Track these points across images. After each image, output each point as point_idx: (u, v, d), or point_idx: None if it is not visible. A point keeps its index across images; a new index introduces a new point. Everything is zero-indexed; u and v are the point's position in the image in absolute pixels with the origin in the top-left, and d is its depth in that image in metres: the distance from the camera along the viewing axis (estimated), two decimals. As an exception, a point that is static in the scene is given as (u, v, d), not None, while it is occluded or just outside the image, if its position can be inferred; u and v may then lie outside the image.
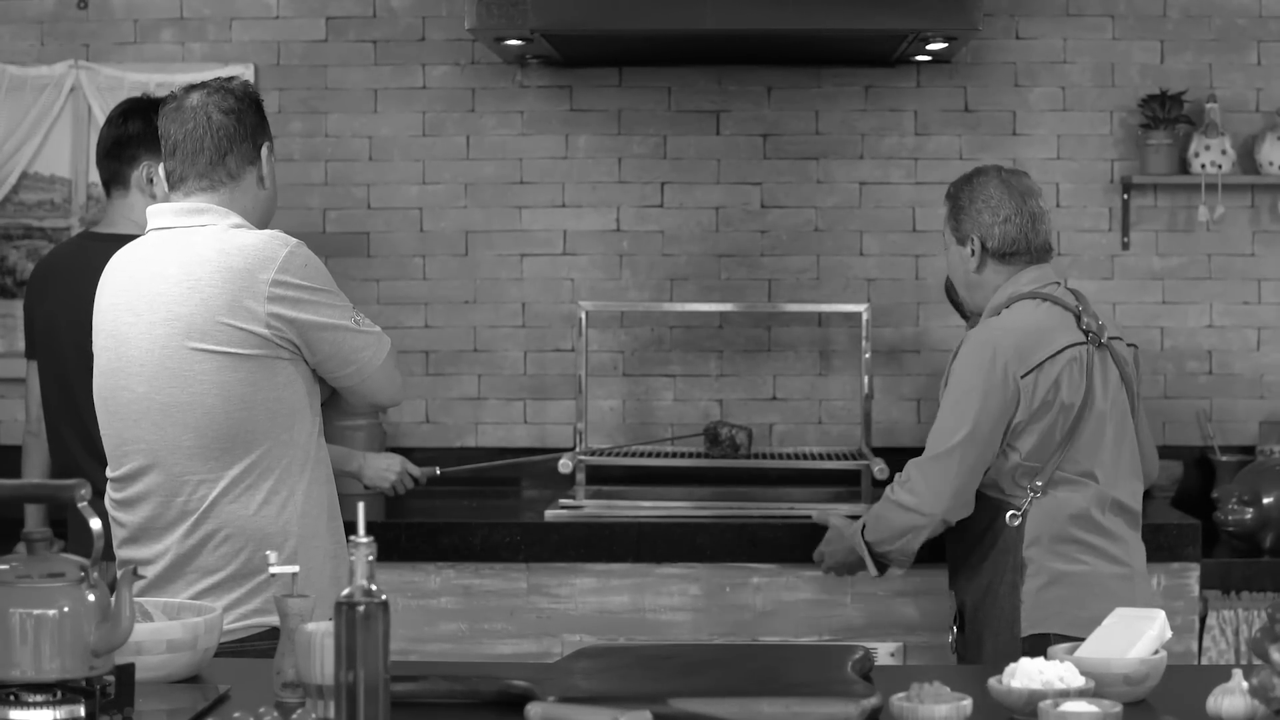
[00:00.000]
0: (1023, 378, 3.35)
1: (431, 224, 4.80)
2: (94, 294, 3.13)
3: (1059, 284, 3.54)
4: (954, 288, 4.42)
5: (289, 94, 4.78)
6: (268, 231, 3.05)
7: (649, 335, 4.80)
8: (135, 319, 3.02)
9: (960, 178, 3.62)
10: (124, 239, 3.23)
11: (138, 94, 4.70)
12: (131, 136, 3.76)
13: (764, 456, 4.56)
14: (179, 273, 2.99)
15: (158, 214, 3.10)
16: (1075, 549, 3.35)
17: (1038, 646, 3.23)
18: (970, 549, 3.46)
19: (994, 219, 3.49)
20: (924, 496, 3.42)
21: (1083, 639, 2.75)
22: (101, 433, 3.11)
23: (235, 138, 3.09)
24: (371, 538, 2.12)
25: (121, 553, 3.08)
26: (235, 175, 3.09)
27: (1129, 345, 3.60)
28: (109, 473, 3.10)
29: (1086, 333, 3.45)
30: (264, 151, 3.13)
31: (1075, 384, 3.39)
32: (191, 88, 3.13)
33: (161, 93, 4.64)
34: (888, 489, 3.54)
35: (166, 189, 3.14)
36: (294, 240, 3.03)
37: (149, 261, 3.05)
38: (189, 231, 3.05)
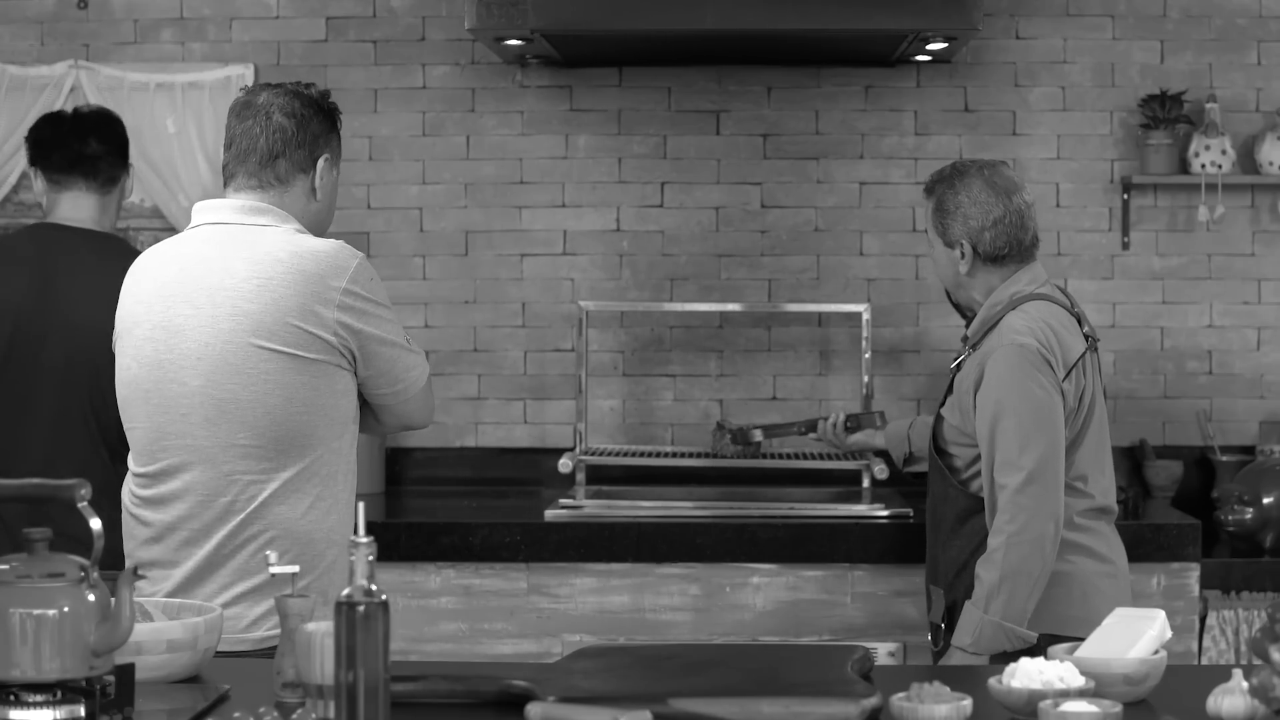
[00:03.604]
0: (1063, 382, 3.33)
1: (431, 224, 4.80)
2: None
3: (1050, 282, 3.52)
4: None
5: (289, 94, 4.78)
6: (336, 241, 3.03)
7: (649, 335, 4.80)
8: (194, 311, 2.96)
9: (939, 175, 3.53)
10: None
11: (137, 94, 4.73)
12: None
13: (764, 456, 4.56)
14: (247, 269, 2.96)
15: (212, 209, 3.06)
16: (1064, 549, 3.34)
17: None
18: (960, 547, 3.44)
19: (983, 223, 3.44)
20: (1040, 516, 3.27)
21: (1071, 637, 2.77)
22: (132, 426, 3.04)
23: (291, 142, 3.05)
24: (371, 538, 2.12)
25: (143, 553, 3.01)
26: (284, 180, 3.06)
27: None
28: (137, 468, 3.03)
29: (1087, 337, 3.44)
30: (321, 163, 3.09)
31: (1087, 390, 3.38)
32: (264, 86, 3.11)
33: (161, 92, 4.71)
34: (990, 552, 3.30)
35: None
36: (360, 253, 3.03)
37: (206, 256, 3.00)
38: (252, 229, 3.01)
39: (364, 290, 2.99)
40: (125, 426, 3.08)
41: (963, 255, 3.47)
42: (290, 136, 3.05)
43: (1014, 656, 3.13)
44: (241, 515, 2.97)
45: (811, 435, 4.38)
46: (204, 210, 3.08)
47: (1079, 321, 3.46)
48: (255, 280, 2.95)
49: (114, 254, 3.75)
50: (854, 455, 4.48)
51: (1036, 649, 3.13)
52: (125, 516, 3.07)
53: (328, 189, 3.12)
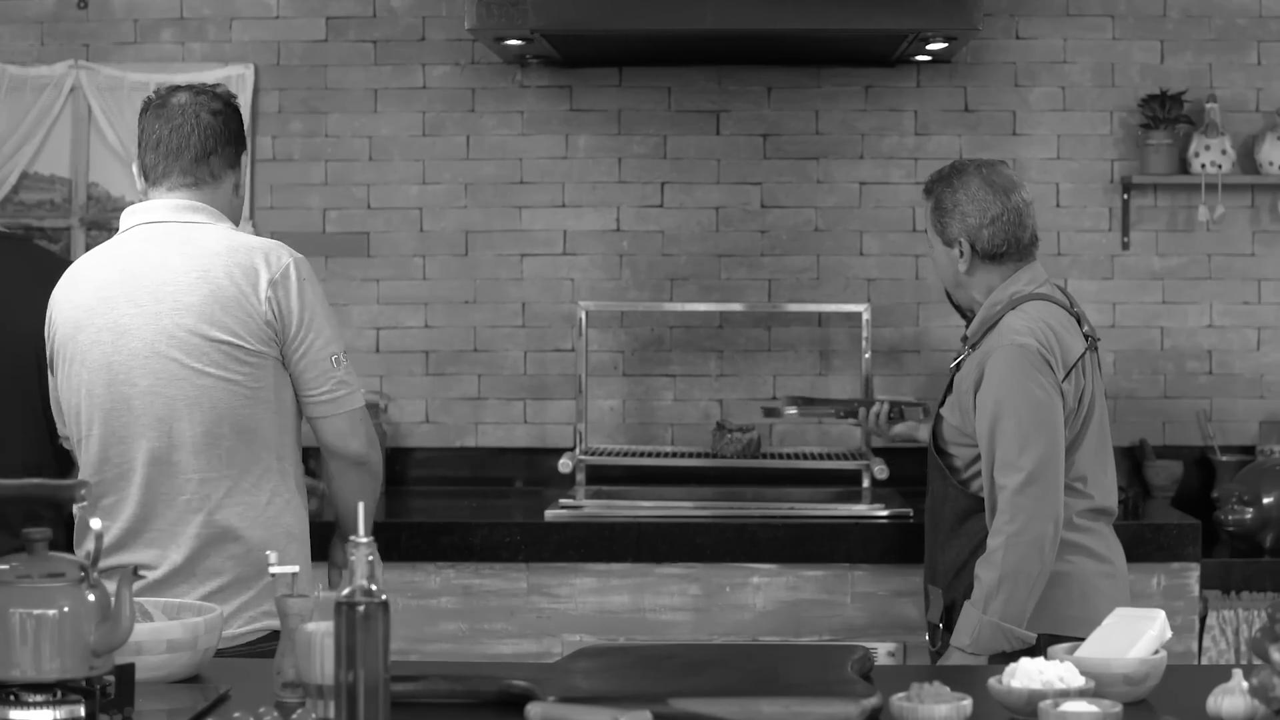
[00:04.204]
0: (1063, 382, 3.33)
1: (431, 224, 4.80)
2: None
3: (1050, 282, 3.51)
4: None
5: (289, 94, 4.78)
6: (271, 240, 3.11)
7: (649, 335, 4.80)
8: (137, 310, 2.99)
9: (938, 175, 3.54)
10: None
11: (137, 94, 4.72)
12: None
13: (764, 456, 4.56)
14: (184, 263, 3.00)
15: (146, 210, 3.10)
16: (1063, 549, 3.33)
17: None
18: (960, 548, 3.44)
19: (981, 220, 3.44)
20: (1040, 516, 3.26)
21: (1070, 637, 2.76)
22: (86, 434, 3.05)
23: (221, 139, 3.12)
24: (371, 537, 2.12)
25: (111, 559, 2.99)
26: (217, 176, 3.12)
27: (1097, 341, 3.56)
28: (93, 476, 3.03)
29: (1087, 337, 3.44)
30: (243, 159, 3.18)
31: (1087, 390, 3.38)
32: (176, 88, 3.16)
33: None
34: (989, 551, 3.29)
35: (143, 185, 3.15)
36: (300, 254, 3.10)
37: (145, 254, 3.03)
38: (187, 227, 3.06)
39: (298, 277, 3.03)
40: (75, 436, 3.09)
41: (961, 254, 3.47)
42: (219, 134, 3.12)
43: (1013, 657, 3.14)
44: (201, 515, 2.98)
45: (850, 421, 4.36)
46: (137, 212, 3.11)
47: (1079, 321, 3.45)
48: (194, 273, 2.99)
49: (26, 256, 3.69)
50: (854, 455, 4.48)
51: (1035, 649, 3.13)
52: (78, 523, 3.06)
53: (244, 185, 3.21)
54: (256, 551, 2.98)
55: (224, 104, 3.15)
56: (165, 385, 2.98)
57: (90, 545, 2.19)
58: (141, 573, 2.99)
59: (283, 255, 3.05)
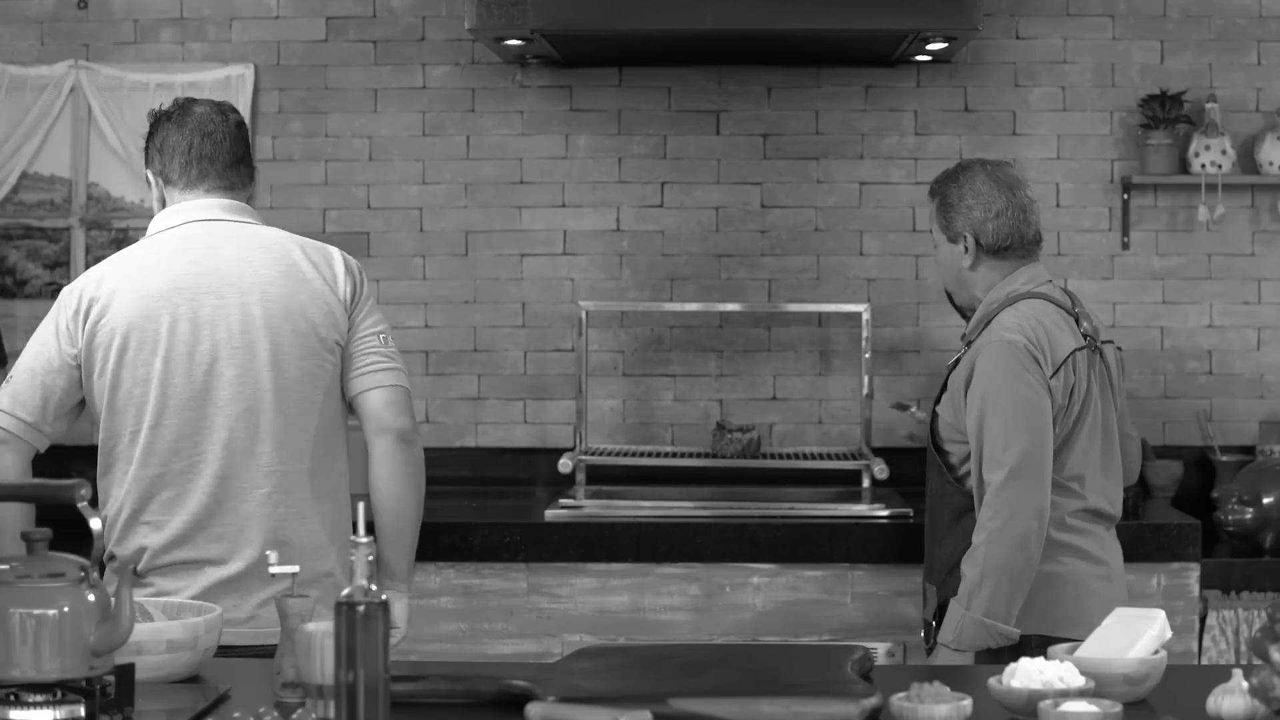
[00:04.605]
0: (1050, 379, 3.33)
1: (431, 224, 4.80)
2: None
3: (1051, 282, 3.52)
4: (953, 287, 4.42)
5: (289, 94, 4.78)
6: None
7: (649, 335, 4.80)
8: (220, 301, 3.03)
9: (943, 174, 3.57)
10: None
11: (137, 94, 4.72)
12: None
13: (764, 456, 4.56)
14: (265, 255, 3.07)
15: (201, 207, 3.12)
16: (1056, 550, 3.33)
17: (1018, 644, 3.25)
18: (954, 545, 3.43)
19: (985, 214, 3.46)
20: (1023, 512, 3.26)
21: (1062, 638, 2.76)
22: (148, 424, 3.03)
23: (246, 149, 3.20)
24: (371, 538, 2.13)
25: (174, 555, 3.01)
26: (245, 183, 3.20)
27: (1117, 349, 3.57)
28: (152, 468, 3.03)
29: (1085, 336, 3.44)
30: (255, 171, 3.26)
31: (1079, 389, 3.38)
32: (191, 100, 3.21)
33: (162, 92, 4.70)
34: (974, 546, 3.29)
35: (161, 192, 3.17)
36: None
37: (218, 248, 3.07)
38: (243, 225, 3.13)
39: (361, 276, 3.16)
40: (127, 428, 3.05)
41: (965, 249, 3.48)
42: (244, 143, 3.20)
43: (999, 654, 3.14)
44: (281, 507, 2.99)
45: None
46: (196, 208, 3.12)
47: (1077, 321, 3.45)
48: (276, 267, 3.06)
49: None
50: (854, 455, 4.48)
51: (1024, 648, 3.13)
52: (127, 519, 3.07)
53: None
54: (324, 547, 3.04)
55: (239, 117, 3.22)
56: (254, 376, 3.02)
57: (96, 545, 2.18)
58: (207, 569, 3.00)
59: (339, 254, 3.17)
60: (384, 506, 3.15)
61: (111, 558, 3.03)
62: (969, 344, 3.48)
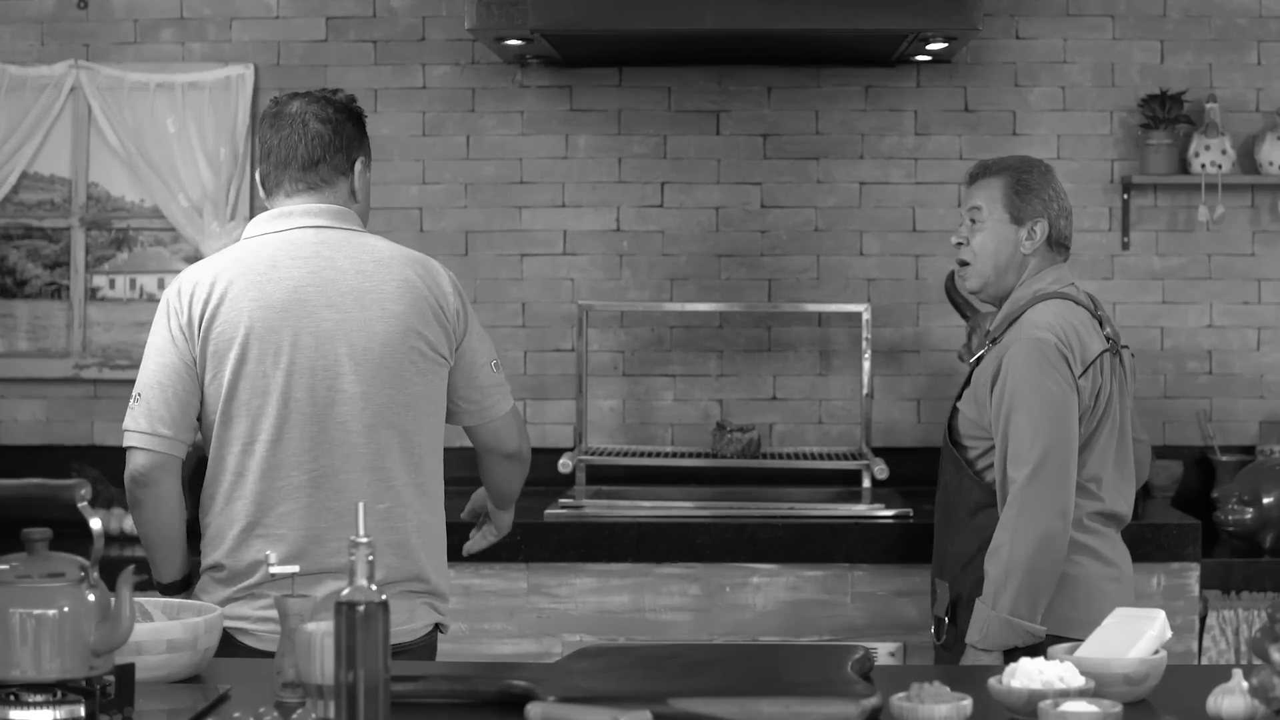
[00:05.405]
0: (1079, 379, 3.34)
1: (431, 224, 4.80)
2: None
3: (1075, 284, 3.52)
4: (954, 287, 4.43)
5: (289, 94, 4.78)
6: None
7: (649, 335, 4.80)
8: (341, 316, 2.99)
9: (1017, 159, 3.55)
10: None
11: (137, 94, 4.73)
12: None
13: (764, 456, 4.56)
14: (380, 270, 3.03)
15: (303, 213, 3.07)
16: (1071, 550, 3.32)
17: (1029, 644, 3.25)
18: (969, 540, 3.43)
19: (1061, 208, 3.50)
20: (1047, 510, 3.26)
21: (1075, 639, 2.76)
22: (267, 437, 2.98)
23: (329, 148, 3.11)
24: (370, 538, 2.12)
25: (287, 568, 2.97)
26: (327, 182, 3.10)
27: (1131, 353, 3.58)
28: (268, 480, 2.97)
29: (1108, 339, 3.45)
30: (358, 166, 3.15)
31: (1104, 391, 3.38)
32: (294, 95, 3.17)
33: (162, 92, 4.71)
34: (993, 546, 3.30)
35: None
36: None
37: (331, 258, 3.03)
38: (353, 234, 3.08)
39: (460, 291, 3.13)
40: (243, 439, 2.99)
41: (1029, 236, 3.48)
42: (328, 142, 3.11)
43: (1028, 653, 3.13)
44: (403, 520, 3.01)
45: None
46: (295, 214, 3.07)
47: (1100, 324, 3.46)
48: (393, 282, 3.02)
49: None
50: (854, 455, 4.47)
51: (1040, 648, 3.12)
52: (242, 530, 3.01)
53: (364, 190, 3.18)
54: (437, 556, 3.09)
55: (336, 110, 3.15)
56: (375, 393, 2.99)
57: (96, 545, 2.18)
58: (327, 580, 2.94)
59: (441, 266, 3.14)
60: (492, 486, 3.31)
61: (219, 568, 3.01)
62: (994, 340, 3.48)
